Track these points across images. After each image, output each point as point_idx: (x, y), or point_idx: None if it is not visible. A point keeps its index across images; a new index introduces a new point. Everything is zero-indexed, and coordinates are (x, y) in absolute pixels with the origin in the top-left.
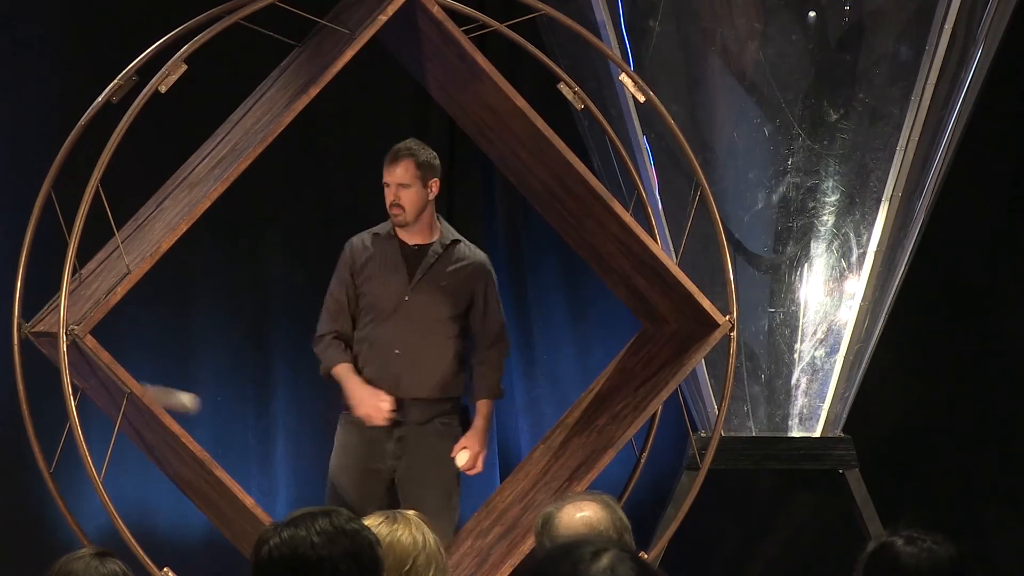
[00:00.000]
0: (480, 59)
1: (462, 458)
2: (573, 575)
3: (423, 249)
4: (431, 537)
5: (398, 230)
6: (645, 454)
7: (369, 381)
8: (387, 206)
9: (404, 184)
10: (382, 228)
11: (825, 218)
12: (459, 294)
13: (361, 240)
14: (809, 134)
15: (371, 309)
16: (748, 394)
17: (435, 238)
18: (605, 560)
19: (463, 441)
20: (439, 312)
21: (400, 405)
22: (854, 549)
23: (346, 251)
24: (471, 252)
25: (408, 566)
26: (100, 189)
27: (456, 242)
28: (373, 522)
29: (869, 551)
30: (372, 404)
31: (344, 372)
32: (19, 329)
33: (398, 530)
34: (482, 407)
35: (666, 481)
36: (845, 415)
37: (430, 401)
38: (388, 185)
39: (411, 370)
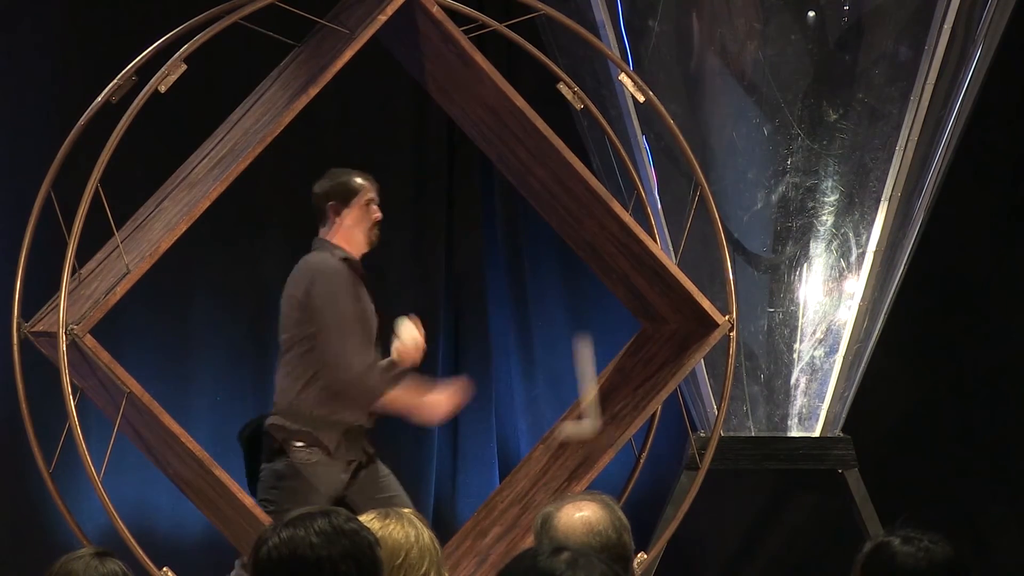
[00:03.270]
0: (480, 59)
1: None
2: (533, 567)
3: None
4: (426, 532)
5: (352, 251)
6: (644, 454)
7: (346, 419)
8: (375, 224)
9: None
10: (340, 253)
11: (824, 218)
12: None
13: (342, 265)
14: (808, 134)
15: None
16: (747, 394)
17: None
18: (566, 555)
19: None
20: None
21: (367, 435)
22: (854, 549)
23: (344, 272)
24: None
25: (400, 559)
26: (100, 189)
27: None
28: (366, 519)
29: (866, 551)
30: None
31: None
32: (19, 329)
33: (390, 525)
34: None
35: (666, 481)
36: (844, 415)
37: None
38: (373, 199)
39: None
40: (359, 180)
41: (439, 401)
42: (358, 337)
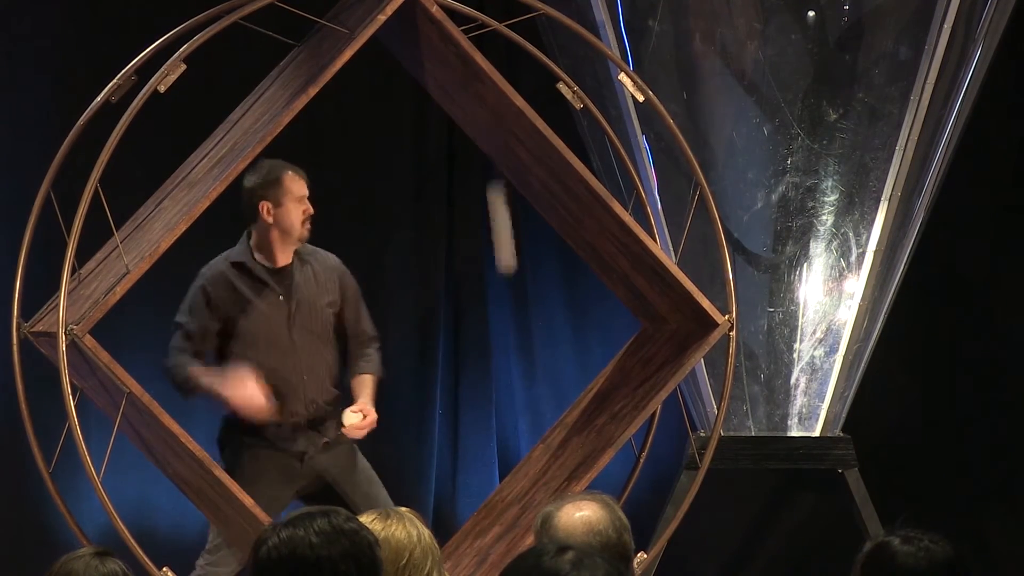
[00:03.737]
0: (479, 59)
1: (354, 418)
2: (537, 567)
3: (287, 269)
4: (426, 532)
5: (259, 255)
6: (644, 454)
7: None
8: (301, 223)
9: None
10: (236, 255)
11: (824, 217)
12: (332, 301)
13: (220, 271)
14: (808, 133)
15: (252, 341)
16: (747, 394)
17: (292, 257)
18: (570, 555)
19: (360, 405)
20: (322, 324)
21: (316, 427)
22: (854, 549)
23: (207, 287)
24: (325, 256)
25: (404, 560)
26: (99, 189)
27: (312, 253)
28: (366, 520)
29: (866, 551)
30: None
31: (202, 372)
32: (18, 329)
33: (392, 525)
34: (369, 381)
35: (665, 481)
36: (844, 415)
37: (335, 408)
38: (300, 200)
39: (320, 389)
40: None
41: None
42: (180, 333)
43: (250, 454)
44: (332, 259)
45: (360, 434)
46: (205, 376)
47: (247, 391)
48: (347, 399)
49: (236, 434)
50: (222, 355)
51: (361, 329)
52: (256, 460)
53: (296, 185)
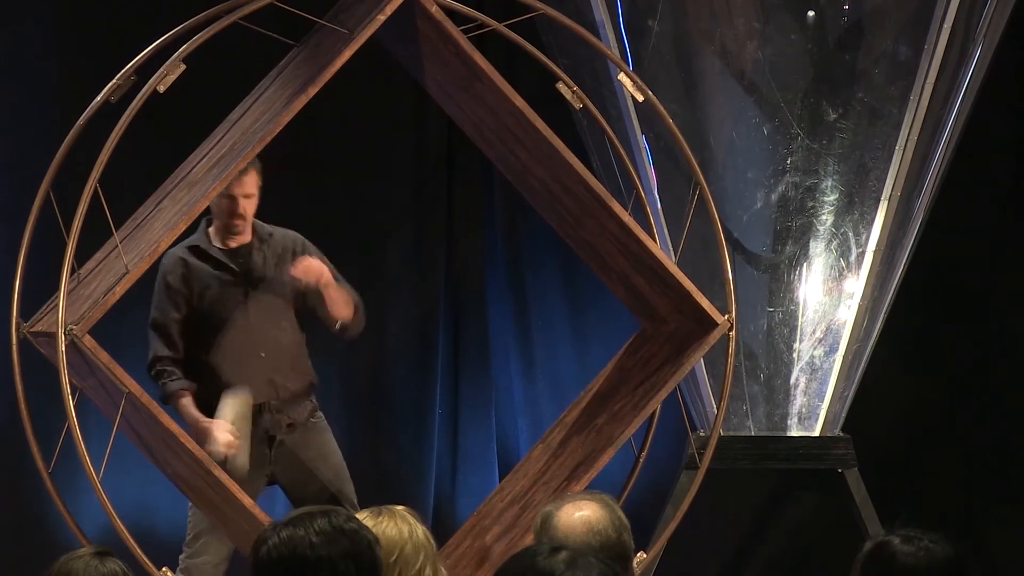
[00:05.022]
0: (479, 59)
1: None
2: (531, 567)
3: (244, 248)
4: (419, 529)
5: (215, 238)
6: (644, 453)
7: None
8: (226, 218)
9: (249, 195)
10: (192, 240)
11: (824, 217)
12: (289, 277)
13: (176, 258)
14: (808, 133)
15: (212, 323)
16: (747, 393)
17: (251, 236)
18: (564, 554)
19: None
20: (282, 303)
21: (280, 409)
22: (854, 549)
23: (165, 276)
24: (283, 234)
25: (395, 555)
26: (99, 189)
27: (271, 233)
28: (359, 517)
29: (866, 550)
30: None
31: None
32: (17, 329)
33: (383, 522)
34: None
35: (665, 480)
36: (844, 414)
37: (303, 394)
38: (232, 197)
39: (280, 369)
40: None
41: (214, 432)
42: (151, 327)
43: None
44: (291, 235)
45: (311, 273)
46: (189, 410)
47: (212, 446)
48: (323, 388)
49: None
50: (187, 340)
51: None
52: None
53: (235, 181)
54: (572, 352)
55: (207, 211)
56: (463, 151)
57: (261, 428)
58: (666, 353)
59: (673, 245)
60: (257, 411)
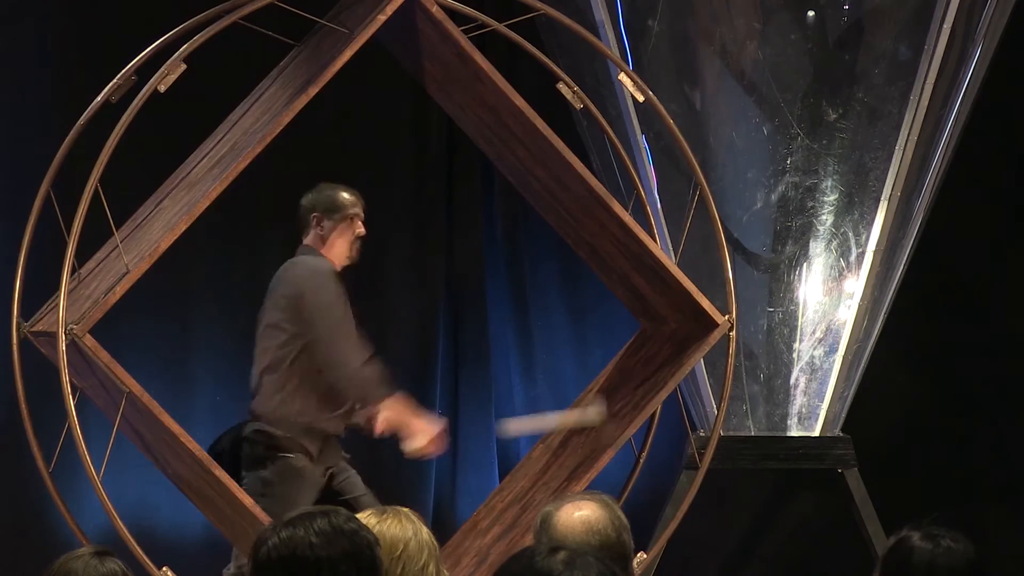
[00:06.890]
0: (479, 59)
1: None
2: (530, 567)
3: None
4: (424, 529)
5: (334, 262)
6: (644, 454)
7: (327, 428)
8: (358, 239)
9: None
10: (326, 261)
11: (824, 217)
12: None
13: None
14: (808, 133)
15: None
16: (747, 393)
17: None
18: (563, 554)
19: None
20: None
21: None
22: (853, 549)
23: (336, 276)
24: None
25: (399, 551)
26: (99, 189)
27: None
28: (362, 517)
29: (888, 545)
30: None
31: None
32: (18, 329)
33: (387, 520)
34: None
35: (665, 481)
36: (844, 414)
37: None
38: (363, 219)
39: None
40: (345, 195)
41: (427, 429)
42: (353, 337)
43: (295, 471)
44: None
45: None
46: (398, 411)
47: (423, 438)
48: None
49: (277, 451)
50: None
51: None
52: (301, 477)
53: (361, 207)
54: (572, 352)
55: (307, 236)
56: (463, 151)
57: (333, 458)
58: (666, 353)
59: (673, 245)
60: (334, 440)
